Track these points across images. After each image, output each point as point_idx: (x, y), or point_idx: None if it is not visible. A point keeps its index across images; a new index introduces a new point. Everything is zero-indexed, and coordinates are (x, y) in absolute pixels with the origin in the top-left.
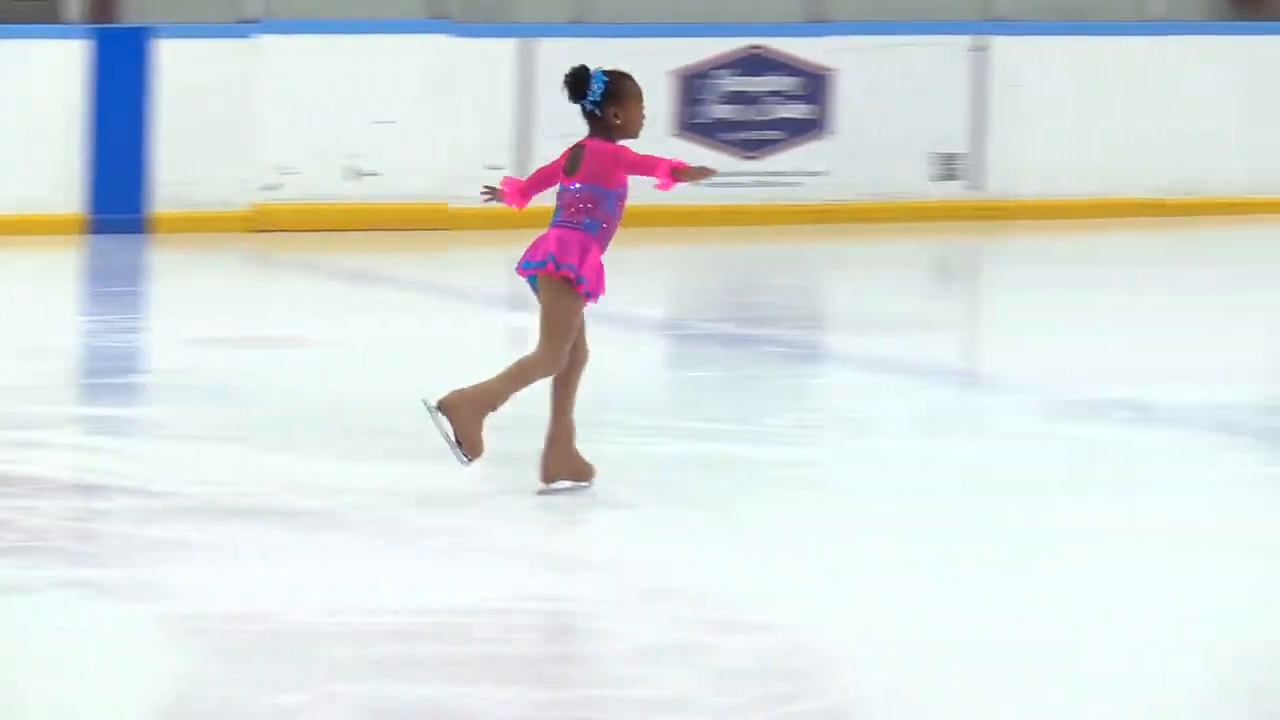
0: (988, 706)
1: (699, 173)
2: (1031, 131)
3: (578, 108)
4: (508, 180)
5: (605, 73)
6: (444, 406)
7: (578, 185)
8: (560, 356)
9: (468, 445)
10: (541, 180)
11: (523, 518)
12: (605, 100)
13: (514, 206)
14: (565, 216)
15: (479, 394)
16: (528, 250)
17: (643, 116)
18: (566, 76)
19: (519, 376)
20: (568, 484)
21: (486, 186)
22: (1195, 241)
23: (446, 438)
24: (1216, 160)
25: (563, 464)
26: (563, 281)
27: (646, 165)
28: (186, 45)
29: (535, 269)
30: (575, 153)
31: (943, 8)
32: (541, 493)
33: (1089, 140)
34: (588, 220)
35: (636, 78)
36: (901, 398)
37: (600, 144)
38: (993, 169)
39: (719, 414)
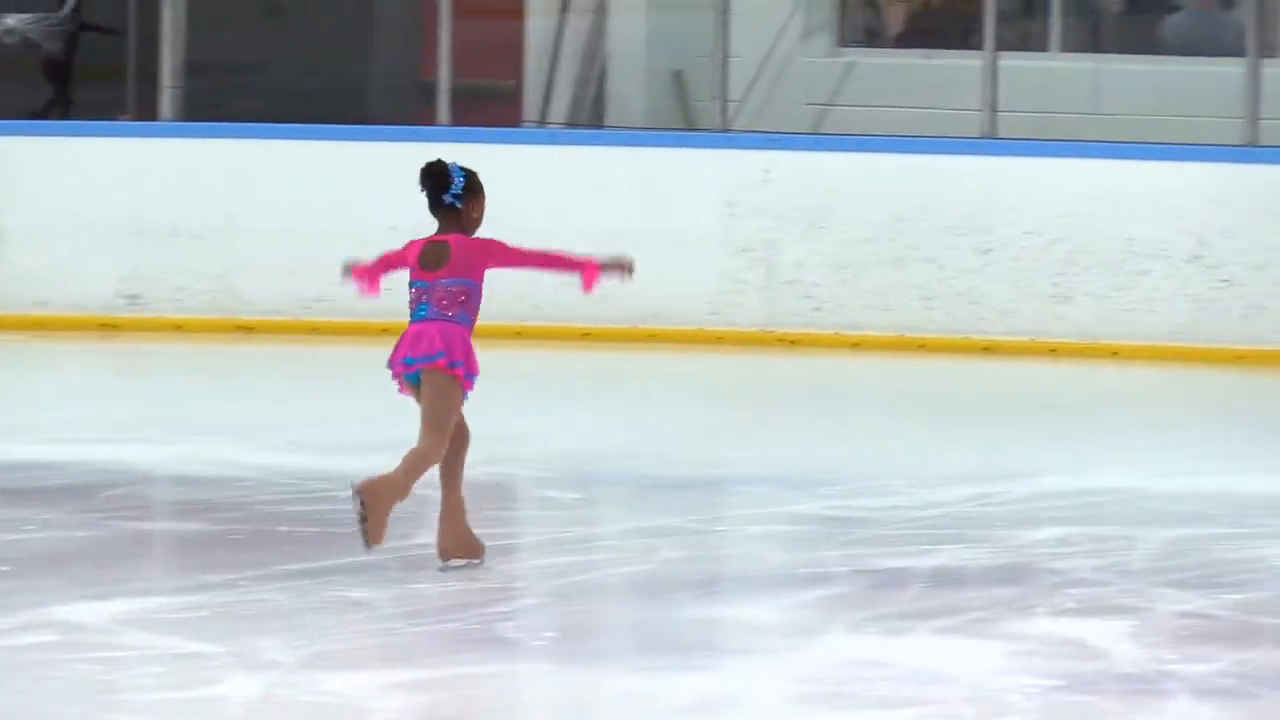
0: None
1: (619, 268)
2: None
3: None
4: (356, 269)
5: (460, 167)
6: (363, 491)
7: (447, 279)
8: (445, 445)
9: (373, 532)
10: (387, 265)
11: None
12: (465, 194)
13: (371, 294)
14: (438, 310)
15: (389, 485)
16: (403, 345)
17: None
18: (425, 170)
19: (414, 470)
20: (462, 562)
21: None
22: None
23: (357, 518)
24: None
25: (457, 541)
26: (450, 376)
27: (529, 257)
28: None
29: (424, 363)
30: (437, 248)
31: None
32: (441, 569)
33: None
34: (461, 313)
35: None
36: None
37: (465, 239)
38: None
39: None
